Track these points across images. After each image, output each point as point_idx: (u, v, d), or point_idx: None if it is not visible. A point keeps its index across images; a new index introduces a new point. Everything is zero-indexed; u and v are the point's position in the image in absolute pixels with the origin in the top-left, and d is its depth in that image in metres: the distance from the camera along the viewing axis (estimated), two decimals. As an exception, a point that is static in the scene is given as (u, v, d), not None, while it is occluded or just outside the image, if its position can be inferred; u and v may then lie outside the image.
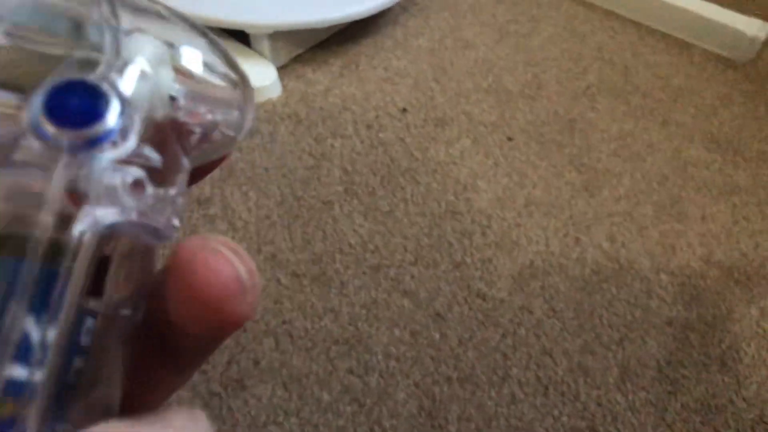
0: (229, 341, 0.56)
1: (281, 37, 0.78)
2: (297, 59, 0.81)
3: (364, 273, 0.62)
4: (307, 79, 0.79)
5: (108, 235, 0.15)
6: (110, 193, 0.15)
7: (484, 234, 0.65)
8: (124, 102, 0.16)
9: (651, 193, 0.71)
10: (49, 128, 0.15)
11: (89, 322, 0.15)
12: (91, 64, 0.17)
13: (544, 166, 0.72)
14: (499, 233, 0.66)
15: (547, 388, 0.57)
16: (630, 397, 0.57)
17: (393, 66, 0.81)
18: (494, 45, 0.85)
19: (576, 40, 0.87)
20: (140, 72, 0.17)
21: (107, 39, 0.17)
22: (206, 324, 0.16)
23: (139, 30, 0.17)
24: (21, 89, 0.16)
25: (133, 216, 0.15)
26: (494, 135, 0.74)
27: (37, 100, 0.16)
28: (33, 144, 0.15)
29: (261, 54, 0.78)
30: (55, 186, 0.15)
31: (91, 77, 0.16)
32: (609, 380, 0.57)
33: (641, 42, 0.87)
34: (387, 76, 0.80)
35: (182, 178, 0.17)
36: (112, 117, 0.16)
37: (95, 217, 0.15)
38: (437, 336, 0.59)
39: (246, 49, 0.78)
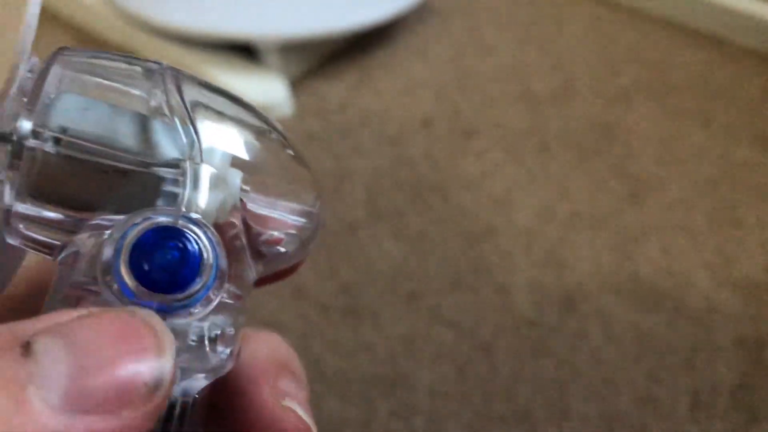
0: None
1: (291, 49, 0.73)
2: (308, 73, 0.76)
3: (399, 302, 0.56)
4: (321, 94, 0.74)
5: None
6: (197, 355, 0.14)
7: (527, 253, 0.60)
8: (219, 260, 0.14)
9: (701, 200, 0.65)
10: (133, 285, 0.13)
11: None
12: (161, 180, 0.15)
13: (585, 176, 0.66)
14: (543, 252, 0.60)
15: (611, 421, 0.51)
16: (704, 426, 0.51)
17: (412, 76, 0.76)
18: (517, 49, 0.80)
19: (603, 40, 0.81)
20: (211, 178, 0.15)
21: (185, 148, 0.15)
22: None
23: (209, 123, 0.16)
24: (73, 206, 0.14)
25: (218, 373, 0.14)
26: (527, 145, 0.69)
27: (118, 247, 0.13)
28: (107, 297, 0.13)
29: (269, 69, 0.73)
30: None
31: (180, 222, 0.14)
32: (679, 410, 0.52)
33: (672, 40, 0.82)
34: (407, 87, 0.75)
35: (246, 294, 0.15)
36: (206, 278, 0.14)
37: (184, 387, 0.14)
38: (486, 369, 0.53)
39: (252, 64, 0.73)
